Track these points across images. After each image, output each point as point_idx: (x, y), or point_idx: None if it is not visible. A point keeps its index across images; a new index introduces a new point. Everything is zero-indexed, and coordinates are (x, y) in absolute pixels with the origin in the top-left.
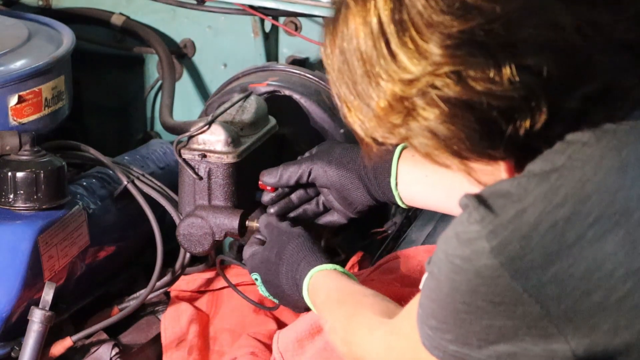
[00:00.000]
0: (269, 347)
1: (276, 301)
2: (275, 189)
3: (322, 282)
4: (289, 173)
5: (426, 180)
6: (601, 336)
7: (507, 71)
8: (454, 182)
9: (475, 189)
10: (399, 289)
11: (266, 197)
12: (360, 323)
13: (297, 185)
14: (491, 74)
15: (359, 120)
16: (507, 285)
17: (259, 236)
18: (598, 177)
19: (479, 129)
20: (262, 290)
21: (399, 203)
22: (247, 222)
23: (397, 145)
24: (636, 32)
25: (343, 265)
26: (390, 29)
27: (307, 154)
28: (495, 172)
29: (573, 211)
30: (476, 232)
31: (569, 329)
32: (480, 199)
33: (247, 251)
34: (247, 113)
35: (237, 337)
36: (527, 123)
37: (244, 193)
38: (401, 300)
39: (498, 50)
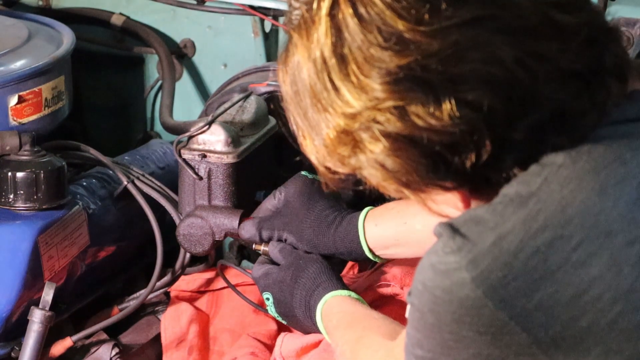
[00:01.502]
0: (269, 347)
1: (284, 322)
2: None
3: (336, 307)
4: (267, 233)
5: (398, 243)
6: None
7: (447, 106)
8: (424, 235)
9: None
10: (399, 291)
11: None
12: (365, 345)
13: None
14: (431, 109)
15: (313, 149)
16: (492, 314)
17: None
18: (578, 200)
19: (424, 162)
20: (271, 311)
21: (372, 257)
22: (253, 245)
23: (350, 174)
24: (583, 61)
25: (343, 265)
26: (332, 63)
27: (277, 200)
28: (449, 202)
29: (555, 236)
30: (455, 263)
31: (558, 355)
32: (454, 228)
33: (259, 270)
34: (247, 113)
35: (237, 337)
36: (472, 156)
37: (244, 193)
38: (401, 302)
39: (437, 85)
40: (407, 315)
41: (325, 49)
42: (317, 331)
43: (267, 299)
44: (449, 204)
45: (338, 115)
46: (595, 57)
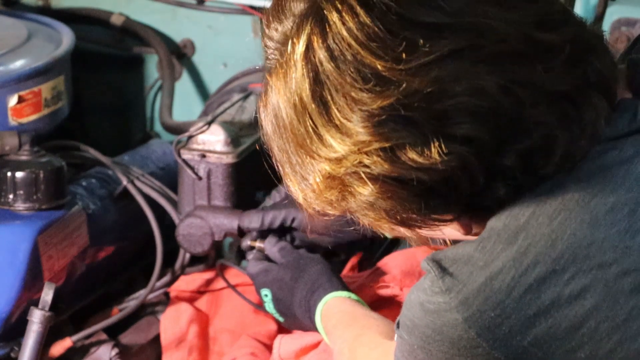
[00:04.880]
0: (268, 348)
1: (281, 320)
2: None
3: (335, 307)
4: (271, 217)
5: None
6: None
7: (435, 144)
8: None
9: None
10: (398, 292)
11: (245, 242)
12: (363, 343)
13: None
14: (419, 149)
15: (300, 193)
16: (487, 354)
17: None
18: (568, 232)
19: (417, 200)
20: (269, 307)
21: (386, 234)
22: (249, 242)
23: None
24: (568, 80)
25: (343, 265)
26: (311, 108)
27: (287, 194)
28: (450, 231)
29: (547, 271)
30: (445, 303)
31: None
32: (443, 267)
33: (256, 266)
34: (246, 113)
35: (237, 338)
36: (466, 189)
37: (243, 193)
38: (400, 304)
39: (423, 123)
40: (395, 339)
41: (303, 94)
42: (316, 330)
43: (266, 295)
44: (450, 233)
45: (323, 161)
46: (580, 76)
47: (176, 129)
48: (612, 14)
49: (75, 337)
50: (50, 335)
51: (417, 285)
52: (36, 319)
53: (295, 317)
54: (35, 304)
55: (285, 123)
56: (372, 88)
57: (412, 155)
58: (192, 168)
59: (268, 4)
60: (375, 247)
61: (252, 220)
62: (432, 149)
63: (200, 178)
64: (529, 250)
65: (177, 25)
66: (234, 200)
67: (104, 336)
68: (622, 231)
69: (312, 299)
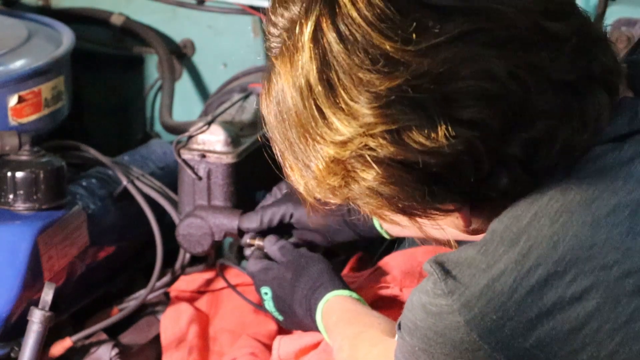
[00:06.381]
0: (268, 348)
1: (280, 318)
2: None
3: (336, 305)
4: (270, 215)
5: None
6: None
7: (442, 127)
8: None
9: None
10: (398, 292)
11: (244, 239)
12: (364, 340)
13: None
14: (426, 131)
15: (301, 180)
16: (489, 356)
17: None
18: (569, 234)
19: (420, 187)
20: (268, 305)
21: (384, 234)
22: (248, 240)
23: (341, 204)
24: (573, 70)
25: (343, 265)
26: (318, 90)
27: (285, 193)
28: (449, 223)
29: (548, 273)
30: (447, 306)
31: None
32: (446, 270)
33: (256, 264)
34: (246, 113)
35: (237, 338)
36: (470, 176)
37: (243, 193)
38: (401, 304)
39: (430, 106)
40: (396, 339)
41: (310, 76)
42: (316, 329)
43: (266, 293)
44: (449, 225)
45: (327, 144)
46: (585, 67)
47: (176, 129)
48: (612, 14)
49: (75, 337)
50: (50, 335)
51: (419, 287)
52: (36, 319)
53: (295, 316)
54: (35, 304)
55: (289, 107)
56: (381, 69)
57: (419, 138)
58: (192, 168)
59: (267, 4)
60: (375, 247)
61: (252, 220)
62: (439, 132)
63: (200, 178)
64: (530, 253)
65: (177, 25)
66: (234, 200)
67: (104, 336)
68: (624, 233)
69: (314, 297)
